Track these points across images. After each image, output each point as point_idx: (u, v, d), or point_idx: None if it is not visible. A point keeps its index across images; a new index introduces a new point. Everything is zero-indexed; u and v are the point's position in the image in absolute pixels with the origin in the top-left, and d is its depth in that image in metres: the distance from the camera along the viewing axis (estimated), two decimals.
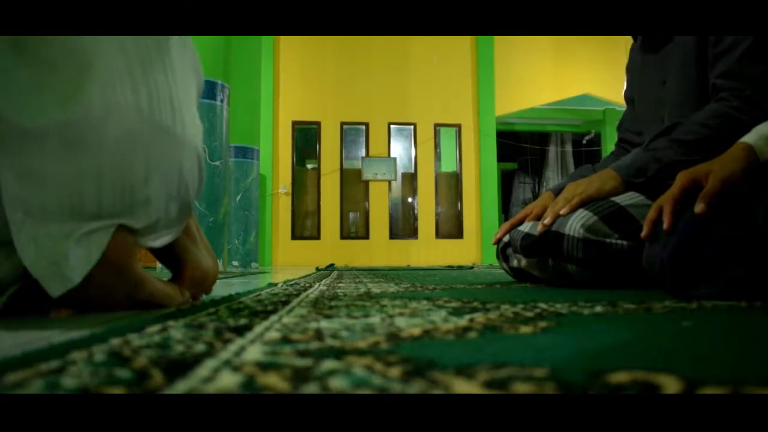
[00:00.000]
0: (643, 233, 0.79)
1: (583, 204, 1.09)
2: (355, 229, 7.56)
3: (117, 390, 0.25)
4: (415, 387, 0.25)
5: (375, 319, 0.52)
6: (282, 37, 7.22)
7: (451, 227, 7.63)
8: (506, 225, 1.25)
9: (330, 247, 7.22)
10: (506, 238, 1.30)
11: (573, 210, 1.10)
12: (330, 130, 7.46)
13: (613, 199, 1.10)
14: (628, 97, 1.42)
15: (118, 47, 0.61)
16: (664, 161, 1.05)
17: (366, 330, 0.44)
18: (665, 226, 0.75)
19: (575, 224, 1.07)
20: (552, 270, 1.11)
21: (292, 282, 1.39)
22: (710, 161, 0.77)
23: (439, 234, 7.56)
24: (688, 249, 0.72)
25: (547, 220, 1.09)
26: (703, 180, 0.75)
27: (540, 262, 1.13)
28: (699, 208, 0.71)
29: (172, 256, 0.77)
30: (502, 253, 1.36)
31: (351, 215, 7.57)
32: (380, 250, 7.39)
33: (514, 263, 1.25)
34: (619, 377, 0.26)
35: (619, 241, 1.04)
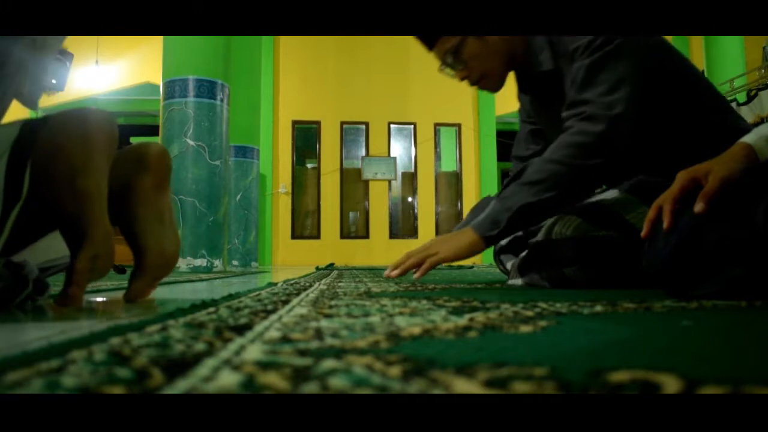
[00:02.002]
0: (643, 233, 0.79)
1: (435, 265, 1.02)
2: (355, 229, 7.56)
3: (117, 389, 0.25)
4: (415, 386, 0.25)
5: (375, 319, 0.52)
6: (282, 37, 7.22)
7: (451, 227, 7.63)
8: (399, 270, 1.09)
9: (330, 247, 7.23)
10: (504, 242, 1.29)
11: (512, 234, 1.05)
12: (330, 130, 7.46)
13: (590, 200, 1.09)
14: (528, 122, 1.40)
15: None
16: (514, 208, 1.01)
17: (366, 329, 0.44)
18: (665, 225, 0.75)
19: (561, 230, 1.06)
20: (550, 279, 1.10)
21: (292, 281, 1.39)
22: (710, 160, 0.77)
23: (439, 233, 7.56)
24: (688, 249, 0.72)
25: (394, 272, 1.02)
26: (703, 179, 0.75)
27: (539, 276, 1.13)
28: (699, 207, 0.70)
29: (135, 237, 0.76)
30: (498, 256, 1.36)
31: (351, 215, 7.57)
32: (380, 249, 7.39)
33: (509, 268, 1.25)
34: (619, 376, 0.26)
35: (606, 233, 1.04)
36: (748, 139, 0.78)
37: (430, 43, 1.18)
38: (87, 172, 0.65)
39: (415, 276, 1.00)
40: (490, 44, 1.16)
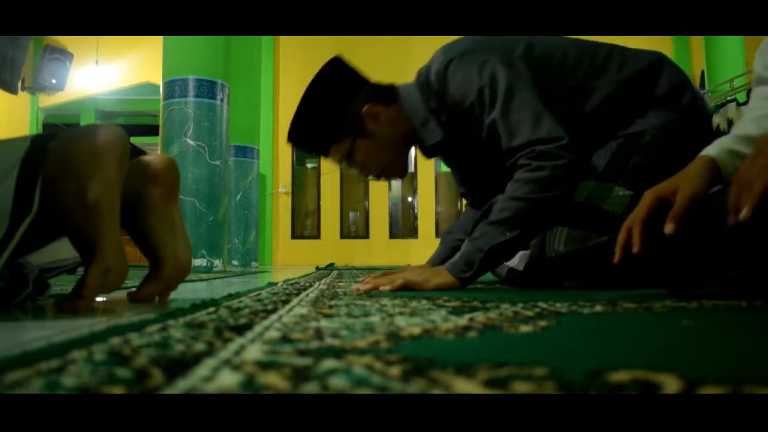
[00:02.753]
0: (615, 258, 0.77)
1: (406, 285, 0.98)
2: (355, 229, 7.56)
3: (117, 389, 0.25)
4: (415, 386, 0.25)
5: (375, 318, 0.52)
6: (282, 37, 7.22)
7: None
8: (369, 286, 1.00)
9: (330, 247, 7.22)
10: None
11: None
12: None
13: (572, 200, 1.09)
14: (454, 168, 1.40)
15: None
16: (486, 249, 1.01)
17: (366, 329, 0.44)
18: (635, 248, 0.74)
19: (552, 245, 1.06)
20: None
21: (292, 281, 1.39)
22: (674, 177, 0.76)
23: (439, 233, 7.55)
24: (687, 249, 0.72)
25: (367, 286, 0.98)
26: (671, 198, 0.73)
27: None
28: (668, 228, 0.69)
29: (149, 247, 0.77)
30: None
31: (351, 214, 7.57)
32: (380, 249, 7.39)
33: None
34: (619, 376, 0.26)
35: (598, 239, 1.03)
36: (710, 152, 0.76)
37: (324, 153, 1.20)
38: (97, 185, 0.65)
39: (384, 288, 0.97)
40: (378, 139, 1.16)
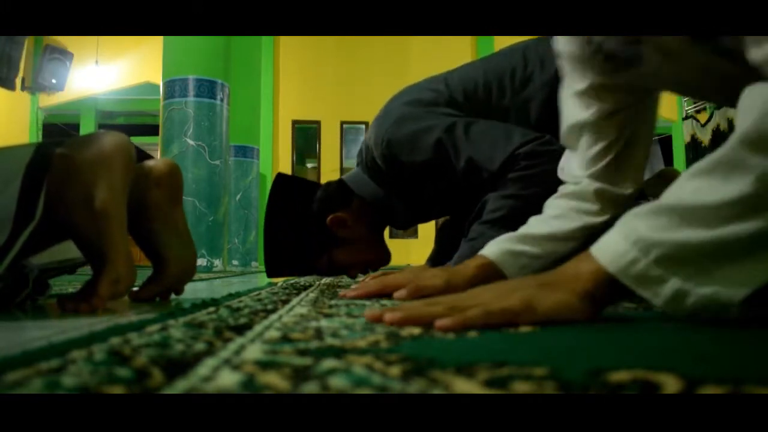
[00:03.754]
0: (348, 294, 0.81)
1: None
2: None
3: (117, 389, 0.25)
4: (415, 386, 0.25)
5: None
6: (282, 37, 7.22)
7: None
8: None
9: None
10: None
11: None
12: (330, 129, 7.46)
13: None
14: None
15: None
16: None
17: (366, 329, 0.44)
18: (349, 294, 0.79)
19: None
20: None
21: (292, 281, 1.39)
22: (448, 269, 0.79)
23: None
24: None
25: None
26: (405, 283, 0.77)
27: None
28: (398, 294, 0.74)
29: (153, 250, 0.77)
30: None
31: None
32: None
33: None
34: (619, 376, 0.26)
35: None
36: (490, 254, 0.77)
37: (308, 273, 1.22)
38: (104, 192, 0.64)
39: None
40: (352, 242, 1.17)
